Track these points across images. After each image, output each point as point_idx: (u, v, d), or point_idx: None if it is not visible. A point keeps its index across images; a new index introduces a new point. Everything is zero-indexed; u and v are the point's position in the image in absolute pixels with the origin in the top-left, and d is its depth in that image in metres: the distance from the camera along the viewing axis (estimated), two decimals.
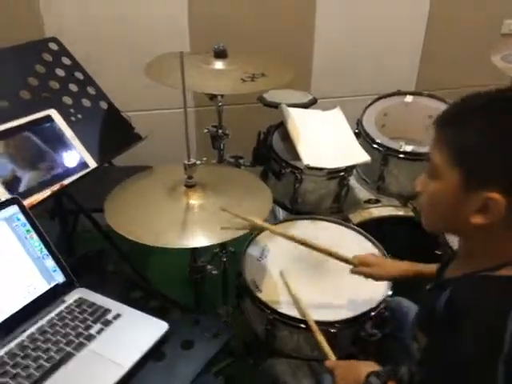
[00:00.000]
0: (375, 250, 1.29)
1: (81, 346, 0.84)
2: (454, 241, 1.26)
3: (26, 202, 0.99)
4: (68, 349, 0.83)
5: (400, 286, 1.18)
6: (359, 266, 1.08)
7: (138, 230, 1.01)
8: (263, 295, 1.14)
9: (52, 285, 0.95)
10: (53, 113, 1.18)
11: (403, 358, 0.92)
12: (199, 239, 1.00)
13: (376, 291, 1.15)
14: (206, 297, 1.35)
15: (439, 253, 1.37)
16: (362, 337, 1.10)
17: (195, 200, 1.08)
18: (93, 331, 0.87)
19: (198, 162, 1.08)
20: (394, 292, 1.16)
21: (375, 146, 1.51)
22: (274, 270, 1.22)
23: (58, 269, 0.97)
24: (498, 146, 0.65)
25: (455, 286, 0.71)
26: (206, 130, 1.50)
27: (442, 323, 0.70)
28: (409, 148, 1.48)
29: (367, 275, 1.08)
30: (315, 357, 1.11)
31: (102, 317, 0.90)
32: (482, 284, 0.69)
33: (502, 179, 0.65)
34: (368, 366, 0.85)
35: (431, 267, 0.99)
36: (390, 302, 1.15)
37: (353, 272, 1.09)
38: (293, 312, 1.09)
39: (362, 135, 1.57)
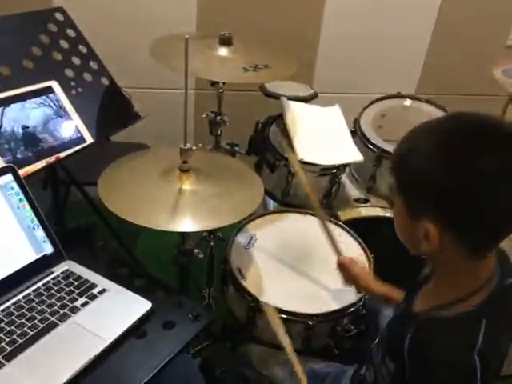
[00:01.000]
0: (359, 249, 1.32)
1: (65, 316, 0.86)
2: None
3: (21, 172, 1.00)
4: (52, 318, 0.85)
5: None
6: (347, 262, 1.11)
7: (129, 208, 1.02)
8: (247, 283, 1.16)
9: (40, 255, 0.97)
10: (54, 84, 1.18)
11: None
12: (188, 224, 1.02)
13: None
14: (192, 279, 1.37)
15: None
16: (337, 331, 1.14)
17: (188, 185, 1.09)
18: (78, 304, 0.89)
19: (194, 148, 1.10)
20: None
21: (370, 146, 1.53)
22: (260, 259, 1.25)
23: (47, 240, 0.98)
24: (428, 177, 0.65)
25: (419, 324, 0.71)
26: (204, 116, 1.50)
27: (408, 358, 0.70)
28: None
29: (348, 274, 1.10)
30: None
31: (87, 290, 0.92)
32: (444, 323, 0.69)
33: (432, 209, 0.66)
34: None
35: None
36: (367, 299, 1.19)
37: (339, 260, 1.12)
38: (274, 301, 1.12)
39: (358, 134, 1.58)
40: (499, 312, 0.71)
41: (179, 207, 1.05)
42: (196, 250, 1.26)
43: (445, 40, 2.15)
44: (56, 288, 0.92)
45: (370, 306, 1.18)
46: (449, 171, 0.63)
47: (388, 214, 1.57)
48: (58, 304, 0.88)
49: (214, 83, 1.45)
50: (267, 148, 1.49)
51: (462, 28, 2.14)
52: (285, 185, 1.46)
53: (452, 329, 0.69)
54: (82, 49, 1.28)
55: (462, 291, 0.70)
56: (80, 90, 1.22)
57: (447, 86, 2.19)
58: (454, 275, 0.72)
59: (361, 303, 1.15)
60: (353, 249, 1.32)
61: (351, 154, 1.47)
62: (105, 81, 1.29)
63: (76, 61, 1.25)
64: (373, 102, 1.69)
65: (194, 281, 1.43)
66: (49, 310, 0.87)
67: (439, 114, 1.67)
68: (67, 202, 1.74)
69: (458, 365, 0.67)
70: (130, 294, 0.93)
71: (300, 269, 1.25)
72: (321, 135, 1.50)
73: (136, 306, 0.90)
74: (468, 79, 2.21)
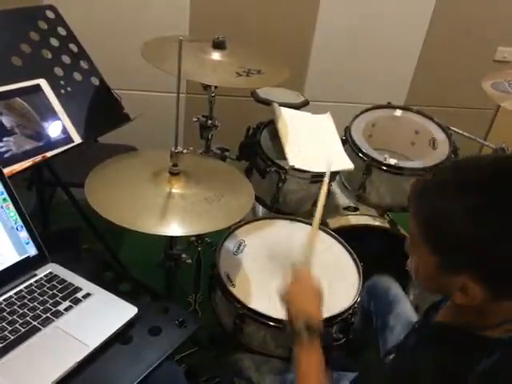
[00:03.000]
0: (348, 257, 1.31)
1: (47, 321, 0.83)
2: None
3: (6, 171, 0.97)
4: (34, 323, 0.82)
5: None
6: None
7: (116, 210, 0.99)
8: (235, 289, 1.15)
9: (23, 257, 0.94)
10: (42, 83, 1.16)
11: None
12: (176, 228, 1.00)
13: (345, 297, 1.17)
14: (178, 284, 1.35)
15: None
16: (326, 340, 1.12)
17: (177, 188, 1.08)
18: (61, 308, 0.86)
19: (185, 151, 1.08)
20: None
21: (360, 155, 1.53)
22: (249, 266, 1.23)
23: (31, 241, 0.96)
24: (471, 234, 0.59)
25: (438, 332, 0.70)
26: (195, 119, 1.49)
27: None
28: (392, 161, 1.50)
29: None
30: (279, 354, 1.13)
31: (71, 294, 0.89)
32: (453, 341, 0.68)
33: (473, 267, 0.61)
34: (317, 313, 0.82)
35: None
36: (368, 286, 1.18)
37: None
38: (263, 308, 1.11)
39: (348, 143, 1.58)
40: None
41: (168, 210, 1.03)
42: (184, 255, 1.24)
43: (434, 52, 2.18)
44: (39, 291, 0.89)
45: (377, 320, 1.17)
46: (485, 232, 0.59)
47: (377, 223, 1.57)
48: (41, 308, 0.86)
49: (205, 87, 1.44)
50: (258, 154, 1.48)
51: (451, 41, 2.17)
52: (275, 191, 1.45)
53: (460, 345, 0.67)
54: (73, 48, 1.26)
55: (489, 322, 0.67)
56: (69, 89, 1.20)
57: (436, 97, 2.22)
58: (477, 312, 0.67)
59: (350, 311, 1.14)
60: (342, 257, 1.31)
61: (342, 161, 1.47)
62: (95, 81, 1.27)
63: (66, 60, 1.23)
64: (363, 112, 1.70)
65: (180, 286, 1.41)
66: (31, 314, 0.84)
67: (428, 124, 1.68)
68: (52, 203, 1.71)
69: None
70: (116, 298, 0.91)
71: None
72: (312, 142, 1.50)
73: (121, 311, 0.88)
74: (457, 91, 2.24)
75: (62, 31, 1.25)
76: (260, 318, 1.10)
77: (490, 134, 2.35)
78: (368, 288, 1.26)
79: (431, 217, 0.64)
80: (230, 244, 1.29)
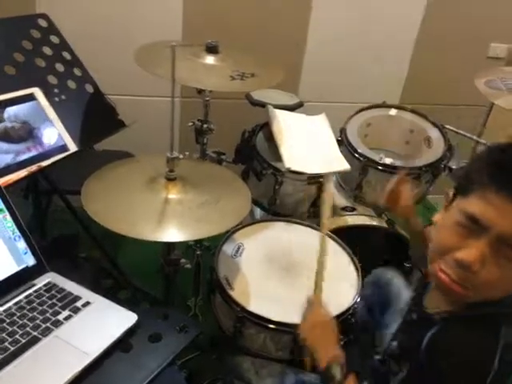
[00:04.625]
0: (346, 257, 1.32)
1: (47, 331, 0.83)
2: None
3: (2, 181, 0.97)
4: (34, 333, 0.82)
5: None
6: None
7: (113, 217, 1.00)
8: (235, 293, 1.15)
9: (22, 267, 0.94)
10: (36, 91, 1.16)
11: (364, 365, 0.95)
12: (174, 234, 1.00)
13: (345, 297, 1.18)
14: (177, 288, 1.35)
15: (408, 265, 1.42)
16: None
17: (174, 194, 1.08)
18: (61, 317, 0.86)
19: (181, 156, 1.08)
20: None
21: (356, 155, 1.54)
22: (248, 269, 1.24)
23: (29, 251, 0.96)
24: None
25: (442, 326, 0.70)
26: (190, 124, 1.49)
27: (426, 359, 0.70)
28: (388, 160, 1.51)
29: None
30: (279, 357, 1.13)
31: (71, 303, 0.89)
32: (466, 325, 0.68)
33: None
34: (334, 349, 0.87)
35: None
36: (367, 283, 1.20)
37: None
38: (262, 311, 1.11)
39: (344, 143, 1.59)
40: None
41: (165, 216, 1.04)
42: (183, 260, 1.24)
43: (427, 50, 2.19)
44: (38, 301, 0.89)
45: (371, 320, 1.17)
46: None
47: (374, 223, 1.57)
48: (41, 318, 0.85)
49: (200, 91, 1.44)
50: (254, 156, 1.48)
51: (444, 38, 2.18)
52: (272, 193, 1.46)
53: (475, 327, 0.68)
54: (66, 55, 1.26)
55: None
56: (63, 97, 1.20)
57: (430, 95, 2.22)
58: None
59: (350, 312, 1.14)
60: (340, 257, 1.32)
61: (338, 162, 1.47)
62: (89, 88, 1.27)
63: (60, 68, 1.23)
64: (358, 112, 1.71)
65: (179, 290, 1.41)
66: (31, 324, 0.84)
67: (422, 123, 1.69)
68: (49, 211, 1.70)
69: (476, 365, 0.66)
70: (115, 306, 0.91)
71: (288, 278, 1.24)
72: (308, 144, 1.50)
73: (121, 319, 0.88)
74: (451, 89, 2.24)
75: (54, 39, 1.25)
76: (259, 321, 1.10)
77: (484, 132, 2.36)
78: (371, 281, 1.25)
79: None
80: (228, 247, 1.30)
